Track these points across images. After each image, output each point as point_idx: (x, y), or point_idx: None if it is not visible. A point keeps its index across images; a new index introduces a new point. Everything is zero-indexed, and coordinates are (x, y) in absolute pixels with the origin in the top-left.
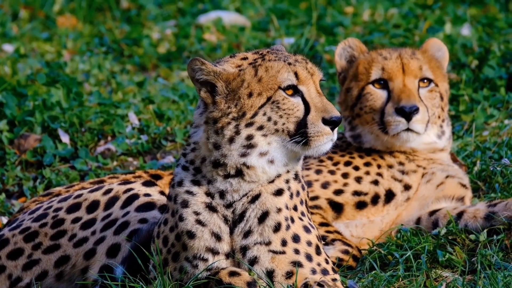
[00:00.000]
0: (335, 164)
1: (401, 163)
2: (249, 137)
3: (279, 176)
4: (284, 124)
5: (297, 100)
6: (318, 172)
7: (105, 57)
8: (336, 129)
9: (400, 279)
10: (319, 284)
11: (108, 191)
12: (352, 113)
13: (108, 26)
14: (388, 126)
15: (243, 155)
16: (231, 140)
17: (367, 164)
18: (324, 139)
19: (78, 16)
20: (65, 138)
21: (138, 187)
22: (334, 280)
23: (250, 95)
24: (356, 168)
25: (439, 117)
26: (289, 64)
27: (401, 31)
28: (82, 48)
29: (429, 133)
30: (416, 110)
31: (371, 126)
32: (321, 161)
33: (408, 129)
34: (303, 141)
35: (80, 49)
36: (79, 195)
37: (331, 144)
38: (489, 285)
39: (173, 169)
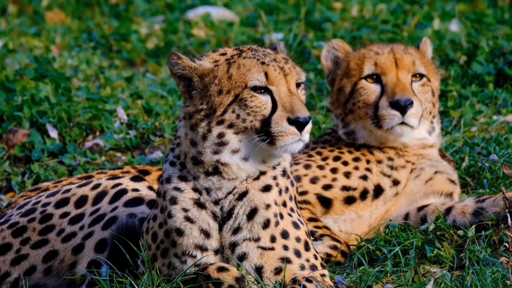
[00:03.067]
0: (324, 159)
1: (390, 159)
2: (220, 135)
3: (264, 173)
4: (251, 121)
5: (266, 98)
6: (307, 167)
7: (93, 52)
8: (305, 130)
9: (388, 275)
10: (307, 279)
11: (97, 186)
12: (345, 109)
13: (96, 21)
14: (382, 120)
15: (216, 152)
16: (204, 137)
17: (356, 159)
18: (289, 139)
19: (66, 11)
20: (54, 133)
21: (126, 182)
22: (322, 275)
23: (220, 92)
24: (345, 163)
25: (430, 112)
26: (262, 63)
27: (389, 26)
28: (71, 43)
29: (421, 129)
30: (411, 103)
31: (365, 121)
32: (310, 156)
33: (402, 123)
34: (268, 139)
35: (68, 44)
36: (68, 190)
37: (302, 145)
38: (477, 280)
39: (161, 164)
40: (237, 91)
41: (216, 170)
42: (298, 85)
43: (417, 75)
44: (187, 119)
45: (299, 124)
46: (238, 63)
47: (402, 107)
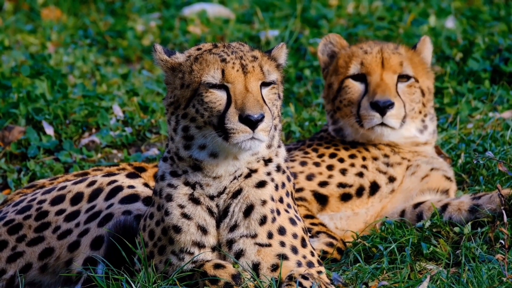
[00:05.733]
0: (320, 156)
1: (386, 155)
2: (186, 129)
3: (256, 170)
4: (209, 117)
5: (221, 94)
6: (303, 164)
7: (89, 49)
8: (259, 128)
9: (385, 272)
10: (303, 276)
11: (92, 183)
12: (334, 106)
13: (92, 18)
14: (363, 119)
15: (186, 147)
16: (175, 130)
17: (352, 156)
18: (241, 137)
19: (62, 8)
20: (50, 130)
21: (122, 179)
22: (319, 272)
23: (182, 86)
24: (341, 160)
25: (420, 112)
26: (223, 60)
27: (385, 23)
28: (67, 40)
29: (409, 128)
30: (390, 105)
31: (349, 119)
32: (306, 153)
33: (382, 124)
34: (223, 135)
35: (64, 41)
36: (63, 187)
37: (258, 143)
38: (473, 277)
39: (157, 161)
40: (195, 86)
41: (198, 166)
42: (266, 84)
43: (404, 76)
44: (167, 113)
45: (250, 122)
46: (202, 58)
47: (381, 108)
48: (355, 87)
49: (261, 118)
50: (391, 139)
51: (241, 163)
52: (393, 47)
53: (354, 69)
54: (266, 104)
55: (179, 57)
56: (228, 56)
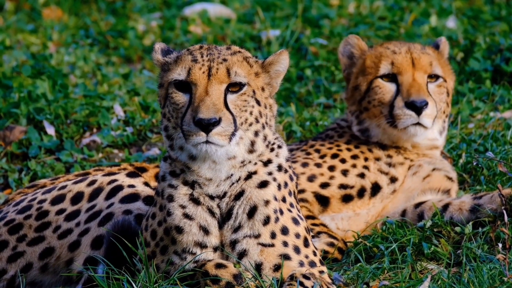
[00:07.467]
0: (322, 157)
1: (389, 156)
2: (166, 128)
3: (255, 172)
4: (176, 118)
5: (184, 95)
6: (305, 165)
7: (90, 49)
8: (213, 132)
9: (385, 272)
10: (305, 276)
11: (92, 182)
12: (360, 107)
13: (93, 18)
14: (397, 119)
15: (171, 147)
16: (161, 129)
17: (354, 157)
18: (195, 139)
19: (63, 8)
20: (51, 130)
21: (122, 178)
22: (321, 272)
23: (160, 85)
24: (343, 161)
25: (444, 112)
26: (193, 60)
27: (386, 23)
28: (68, 40)
29: (434, 129)
30: (426, 104)
31: (379, 119)
32: (308, 153)
33: (417, 123)
34: (184, 137)
35: (65, 41)
36: (63, 187)
37: (216, 148)
38: (474, 277)
39: (158, 161)
40: (166, 85)
41: (189, 167)
42: (235, 89)
43: (433, 76)
44: None
45: (201, 125)
46: (179, 59)
47: (417, 108)
48: (386, 88)
49: (214, 122)
50: (419, 140)
51: (224, 167)
52: (420, 47)
53: (384, 69)
54: (229, 109)
55: (171, 57)
56: (201, 58)
